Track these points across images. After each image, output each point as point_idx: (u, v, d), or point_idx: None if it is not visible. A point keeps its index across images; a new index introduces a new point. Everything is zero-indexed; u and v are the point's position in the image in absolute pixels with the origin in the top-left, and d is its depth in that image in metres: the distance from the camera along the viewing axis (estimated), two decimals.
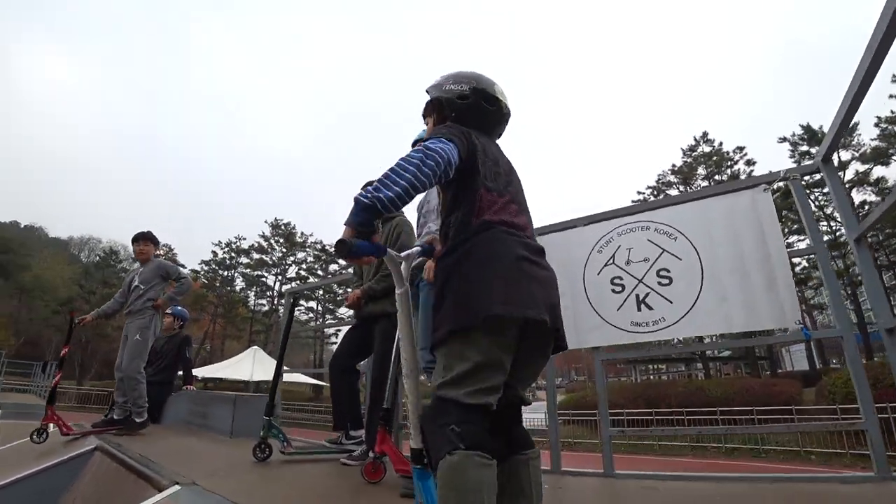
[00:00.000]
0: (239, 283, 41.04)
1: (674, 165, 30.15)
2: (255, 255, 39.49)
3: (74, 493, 3.02)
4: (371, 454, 2.46)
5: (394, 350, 2.43)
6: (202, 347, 39.28)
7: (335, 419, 3.13)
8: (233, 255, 40.25)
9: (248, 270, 39.81)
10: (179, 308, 5.29)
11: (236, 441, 3.80)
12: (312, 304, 39.58)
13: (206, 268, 40.20)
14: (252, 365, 11.26)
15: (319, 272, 38.93)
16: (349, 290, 3.85)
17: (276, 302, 38.93)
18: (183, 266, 42.60)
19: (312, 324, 40.13)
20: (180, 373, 5.16)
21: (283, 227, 39.68)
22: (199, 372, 11.22)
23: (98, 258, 46.34)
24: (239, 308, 40.82)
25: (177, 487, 2.12)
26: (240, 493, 2.07)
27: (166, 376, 4.97)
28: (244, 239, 40.74)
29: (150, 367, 4.93)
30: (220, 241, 41.02)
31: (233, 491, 2.07)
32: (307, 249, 39.63)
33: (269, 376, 10.75)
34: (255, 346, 12.67)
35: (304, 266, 39.45)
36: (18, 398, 13.50)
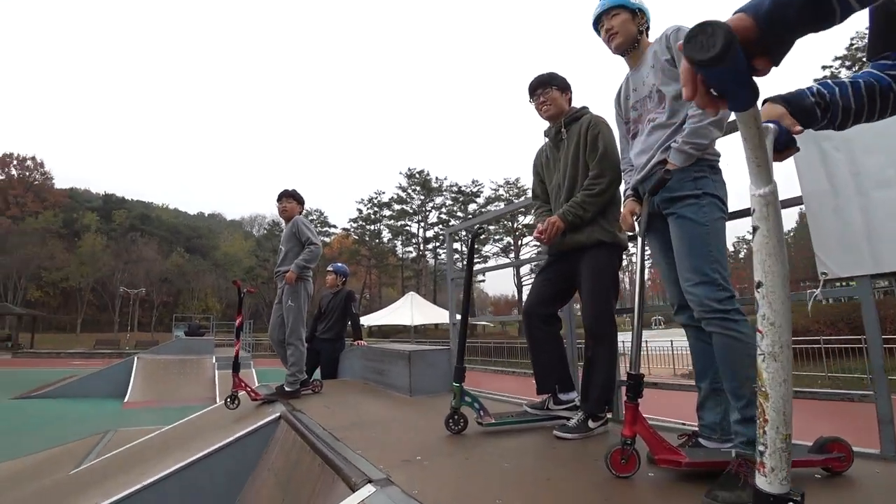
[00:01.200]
0: (385, 235, 43.55)
1: None
2: (396, 207, 41.15)
3: (266, 464, 2.80)
4: (593, 425, 2.13)
5: (637, 289, 1.62)
6: (362, 296, 43.13)
7: (539, 381, 2.44)
8: (375, 209, 42.54)
9: (391, 222, 41.84)
10: (340, 265, 5.12)
11: (418, 401, 3.31)
12: (456, 244, 40.44)
13: (354, 225, 43.28)
14: (411, 310, 11.42)
15: (459, 214, 39.22)
16: (529, 219, 2.89)
17: (421, 248, 40.56)
18: (334, 227, 46.70)
19: (459, 265, 41.25)
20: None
21: (417, 176, 40.45)
22: (364, 320, 11.70)
23: (265, 231, 53.17)
24: (389, 257, 43.63)
25: (370, 489, 1.52)
26: (449, 498, 1.41)
27: (336, 332, 4.83)
28: (383, 193, 42.69)
29: (321, 325, 4.78)
30: (362, 199, 43.67)
31: (439, 494, 1.41)
32: (444, 193, 40.03)
33: (428, 319, 10.60)
34: (412, 293, 12.83)
35: (443, 210, 40.06)
36: (229, 352, 15.84)
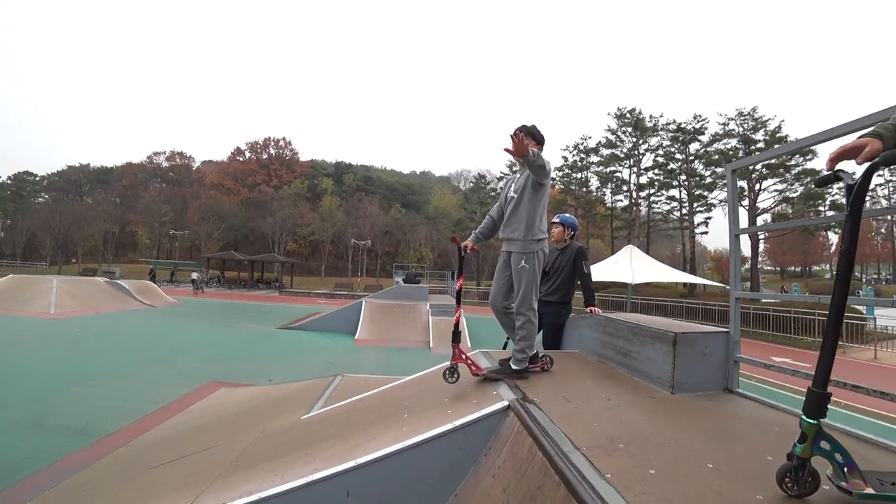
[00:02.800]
0: (593, 183, 40.85)
1: None
2: (605, 152, 37.95)
3: (491, 467, 2.34)
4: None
5: None
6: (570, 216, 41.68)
7: None
8: (582, 156, 40.03)
9: (599, 168, 38.87)
10: (568, 215, 4.34)
11: (683, 403, 2.40)
12: (674, 192, 35.45)
13: (559, 174, 41.63)
14: (630, 264, 9.95)
15: (678, 156, 34.14)
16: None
17: (633, 196, 36.85)
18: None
19: (677, 213, 36.49)
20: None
21: (628, 116, 36.33)
22: None
23: (471, 184, 55.62)
24: (597, 207, 40.98)
25: None
26: None
27: (563, 295, 4.11)
28: (590, 138, 39.77)
29: (545, 286, 4.15)
30: (567, 146, 41.53)
31: None
32: (659, 133, 35.17)
33: (652, 277, 9.05)
34: (631, 246, 11.20)
35: (659, 152, 35.37)
36: (441, 299, 16.99)
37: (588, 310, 3.95)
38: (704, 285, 33.94)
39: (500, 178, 48.48)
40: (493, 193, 47.64)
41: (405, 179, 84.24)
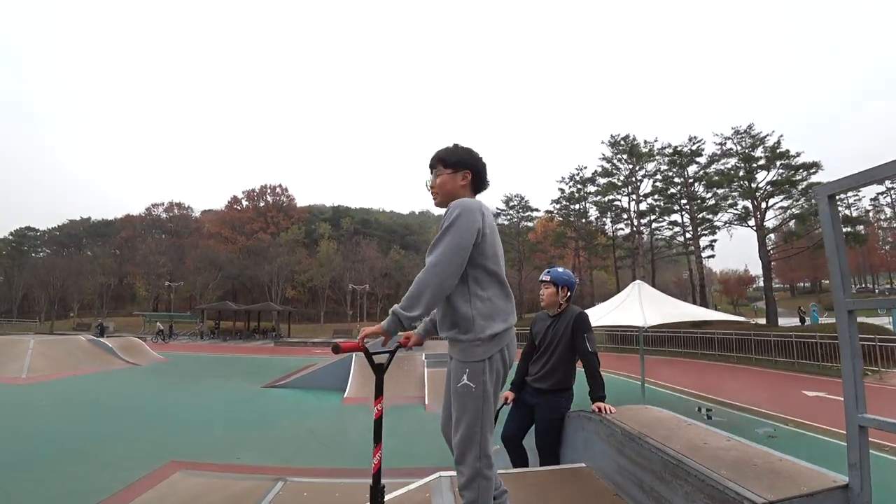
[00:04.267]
0: (593, 213, 40.32)
1: None
2: (601, 180, 37.60)
3: None
4: None
5: None
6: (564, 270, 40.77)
7: None
8: (579, 186, 39.68)
9: (597, 198, 38.41)
10: (560, 270, 3.27)
11: None
12: (676, 216, 34.82)
13: (557, 206, 41.21)
14: (640, 304, 8.98)
15: (677, 180, 33.72)
16: None
17: (634, 223, 36.22)
18: (536, 210, 45.38)
19: (681, 238, 35.75)
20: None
21: (622, 143, 36.18)
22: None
23: None
24: (598, 237, 40.33)
25: None
26: None
27: (560, 379, 3.04)
28: (585, 168, 39.53)
29: (534, 367, 3.16)
30: (563, 177, 41.28)
31: None
32: (656, 158, 34.88)
33: (666, 318, 8.01)
34: (639, 281, 10.17)
35: (657, 177, 34.95)
36: (439, 347, 15.96)
37: (595, 407, 2.77)
38: (716, 307, 32.89)
39: (496, 215, 48.08)
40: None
41: (404, 220, 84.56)
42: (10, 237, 66.43)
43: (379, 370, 2.01)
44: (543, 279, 3.19)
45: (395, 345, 2.15)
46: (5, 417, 8.16)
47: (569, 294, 3.13)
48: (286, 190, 71.39)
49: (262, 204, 69.02)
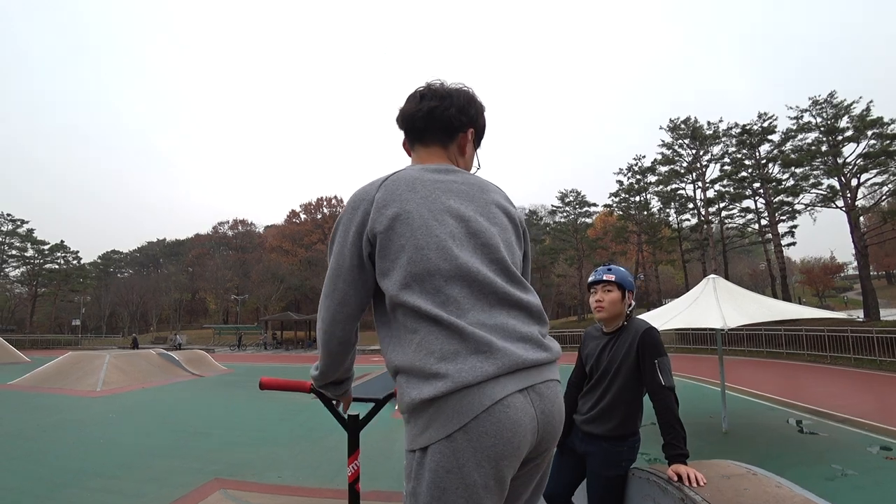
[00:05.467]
0: (655, 204, 38.10)
1: None
2: (662, 169, 35.42)
3: None
4: None
5: None
6: (636, 278, 38.74)
7: None
8: (638, 177, 37.62)
9: (659, 188, 36.23)
10: (614, 267, 2.36)
11: None
12: (748, 202, 32.08)
13: (615, 199, 39.30)
14: (716, 301, 7.65)
15: (747, 162, 31.09)
16: None
17: (702, 213, 33.77)
18: (594, 205, 43.54)
19: (755, 226, 32.83)
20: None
21: (683, 127, 33.89)
22: (650, 316, 8.53)
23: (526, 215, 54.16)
24: (662, 229, 38.01)
25: None
26: None
27: (621, 422, 2.15)
28: (643, 157, 37.45)
29: (585, 402, 2.15)
30: (620, 169, 39.34)
31: None
32: (722, 140, 32.37)
33: (752, 318, 6.63)
34: (713, 276, 8.75)
35: (725, 160, 32.41)
36: None
37: (672, 473, 1.82)
38: (800, 300, 29.69)
39: (551, 212, 46.55)
40: (547, 229, 45.69)
41: None
42: (99, 260, 72.72)
43: (352, 424, 1.41)
44: (602, 279, 2.25)
45: (385, 395, 1.65)
46: (76, 429, 8.54)
47: (631, 304, 2.28)
48: (341, 201, 73.67)
49: (318, 216, 71.67)
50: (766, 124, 29.92)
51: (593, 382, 2.28)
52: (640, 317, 2.73)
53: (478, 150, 1.32)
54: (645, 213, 38.24)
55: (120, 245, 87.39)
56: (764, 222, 31.65)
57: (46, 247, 50.10)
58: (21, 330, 42.77)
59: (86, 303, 54.78)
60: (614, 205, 39.71)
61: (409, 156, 1.30)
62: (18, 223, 48.52)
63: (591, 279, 2.34)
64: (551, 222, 46.27)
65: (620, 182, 38.73)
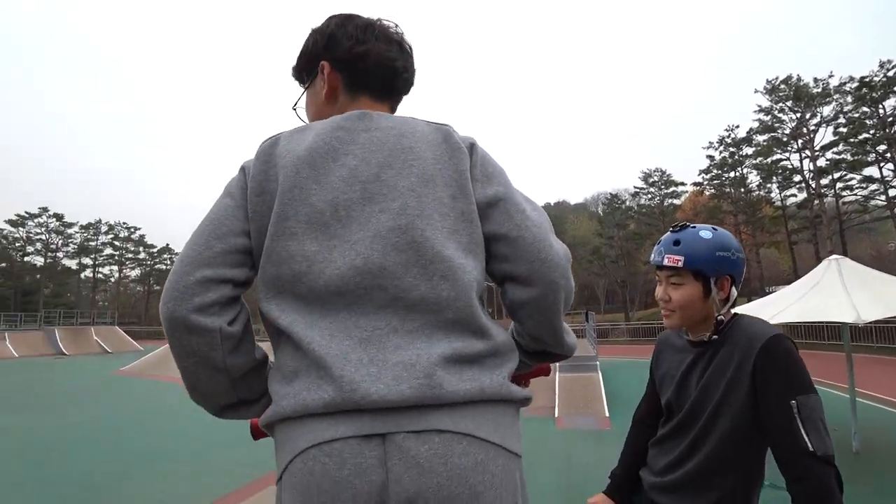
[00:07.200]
0: (753, 179, 34.09)
1: None
2: (760, 138, 31.54)
3: None
4: None
5: None
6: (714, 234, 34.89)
7: None
8: (731, 150, 33.87)
9: (758, 160, 32.30)
10: (712, 231, 1.32)
11: None
12: (872, 170, 27.57)
13: (706, 177, 35.76)
14: (843, 288, 5.95)
15: (868, 121, 26.68)
16: None
17: (812, 186, 29.63)
18: (682, 184, 39.98)
19: (881, 198, 28.07)
20: None
21: (783, 87, 29.83)
22: (752, 309, 6.95)
23: (603, 205, 51.16)
24: (763, 207, 33.92)
25: None
26: None
27: (730, 489, 1.20)
28: (737, 127, 33.57)
29: (665, 453, 1.35)
30: (710, 143, 35.61)
31: None
32: (834, 98, 28.05)
33: (893, 308, 5.11)
34: (836, 257, 6.90)
35: (839, 121, 28.08)
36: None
37: None
38: None
39: (634, 195, 43.47)
40: (631, 213, 42.73)
41: None
42: None
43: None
44: (663, 262, 1.31)
45: None
46: (164, 414, 9.13)
47: (732, 290, 1.30)
48: None
49: None
50: (891, 73, 25.29)
51: (675, 425, 1.36)
52: (742, 309, 1.67)
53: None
54: (742, 189, 34.29)
55: None
56: (893, 193, 27.00)
57: (155, 250, 55.44)
58: (139, 323, 47.82)
59: None
60: (705, 182, 36.12)
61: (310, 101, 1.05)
62: (132, 230, 54.20)
63: (650, 258, 1.38)
64: (634, 205, 43.23)
65: (711, 157, 35.09)
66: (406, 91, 0.98)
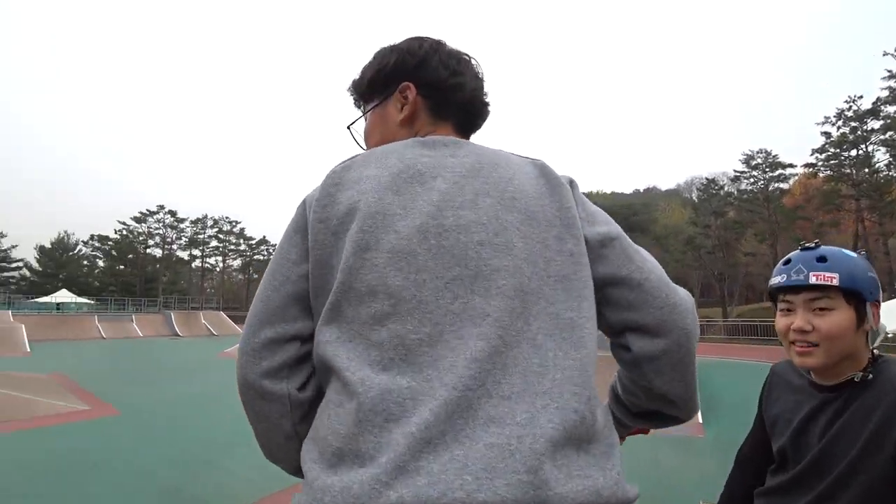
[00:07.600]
0: (880, 158, 29.77)
1: None
2: (890, 109, 27.43)
3: None
4: None
5: None
6: (857, 255, 30.81)
7: None
8: (853, 125, 29.78)
9: (887, 134, 28.14)
10: (843, 253, 1.06)
11: None
12: None
13: (820, 157, 31.81)
14: None
15: None
16: None
17: None
18: (791, 166, 35.89)
19: None
20: None
21: None
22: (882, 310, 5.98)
23: (699, 191, 47.04)
24: (892, 190, 29.56)
25: None
26: None
27: None
28: (860, 97, 29.39)
29: None
30: (826, 118, 31.57)
31: None
32: None
33: None
34: None
35: None
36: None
37: None
38: None
39: (734, 179, 39.79)
40: (730, 199, 39.21)
41: (626, 200, 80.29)
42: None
43: None
44: (806, 283, 1.02)
45: None
46: (224, 403, 9.47)
47: (877, 325, 1.04)
48: None
49: None
50: None
51: (791, 479, 1.09)
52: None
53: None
54: (866, 170, 30.04)
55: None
56: None
57: (254, 241, 60.23)
58: (241, 308, 52.48)
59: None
60: (819, 163, 32.11)
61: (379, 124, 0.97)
62: (234, 224, 59.27)
63: (775, 281, 1.09)
64: (734, 191, 39.57)
65: (827, 134, 31.07)
66: (479, 128, 0.91)
